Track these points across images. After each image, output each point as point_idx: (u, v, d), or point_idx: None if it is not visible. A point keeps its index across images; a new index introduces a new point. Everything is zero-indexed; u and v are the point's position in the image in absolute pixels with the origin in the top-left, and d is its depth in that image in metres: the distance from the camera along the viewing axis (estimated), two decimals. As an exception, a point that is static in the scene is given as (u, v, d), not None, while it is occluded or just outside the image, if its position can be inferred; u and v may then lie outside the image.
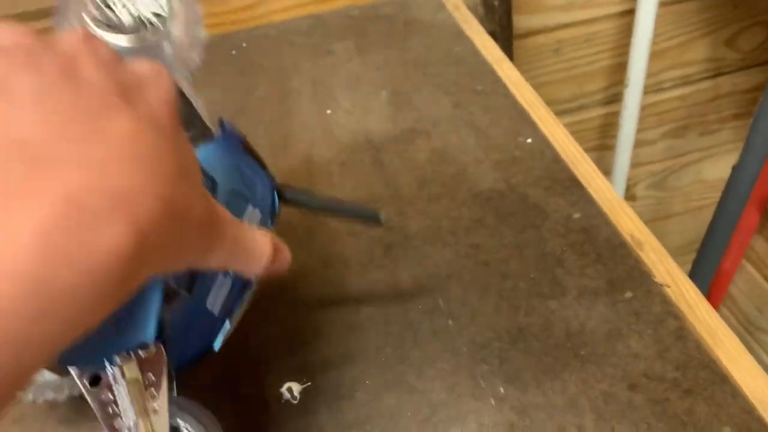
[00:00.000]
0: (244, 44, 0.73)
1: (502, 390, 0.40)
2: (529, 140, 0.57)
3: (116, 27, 0.35)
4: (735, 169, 0.95)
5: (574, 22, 0.86)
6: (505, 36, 0.75)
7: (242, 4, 0.74)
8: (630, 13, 0.88)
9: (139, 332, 0.27)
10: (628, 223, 0.49)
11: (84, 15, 0.34)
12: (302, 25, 0.75)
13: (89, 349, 0.25)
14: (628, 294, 0.44)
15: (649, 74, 0.92)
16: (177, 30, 0.36)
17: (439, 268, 0.47)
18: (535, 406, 0.39)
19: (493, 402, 0.40)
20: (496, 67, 0.65)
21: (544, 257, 0.47)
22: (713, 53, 1.01)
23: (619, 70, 0.96)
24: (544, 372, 0.41)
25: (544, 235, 0.49)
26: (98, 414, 0.27)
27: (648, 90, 0.97)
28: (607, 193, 0.52)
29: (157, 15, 0.36)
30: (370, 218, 0.43)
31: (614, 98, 0.99)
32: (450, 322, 0.44)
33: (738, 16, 0.96)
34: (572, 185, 0.52)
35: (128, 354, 0.27)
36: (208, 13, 0.74)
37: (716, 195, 1.08)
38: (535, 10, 0.83)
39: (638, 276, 0.45)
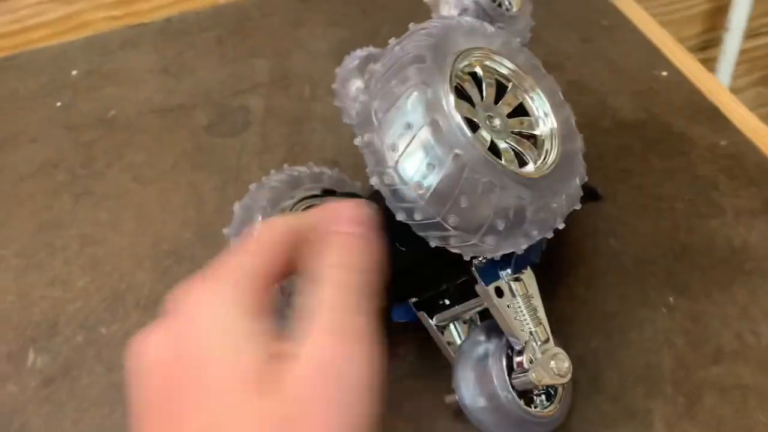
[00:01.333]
0: (360, -14, 0.75)
1: (672, 300, 0.42)
2: (664, 73, 0.58)
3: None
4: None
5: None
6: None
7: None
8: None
9: (532, 255, 0.33)
10: (776, 149, 0.50)
11: None
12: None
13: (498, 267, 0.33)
14: (786, 214, 0.46)
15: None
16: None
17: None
18: (708, 314, 0.41)
19: (664, 310, 0.42)
20: (618, 3, 0.66)
21: (697, 181, 0.49)
22: (811, -4, 0.99)
23: (716, 14, 0.95)
24: (713, 284, 0.43)
25: (694, 161, 0.50)
26: (502, 323, 0.33)
27: (744, 35, 0.95)
28: (750, 121, 0.52)
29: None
30: (591, 195, 0.45)
31: (708, 44, 0.98)
32: (612, 240, 0.46)
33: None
34: (714, 115, 0.53)
35: (520, 272, 0.33)
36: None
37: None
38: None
39: (794, 197, 0.47)
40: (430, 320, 0.38)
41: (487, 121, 0.29)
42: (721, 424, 0.36)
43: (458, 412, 0.37)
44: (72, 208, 0.55)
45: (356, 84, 0.47)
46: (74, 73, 0.69)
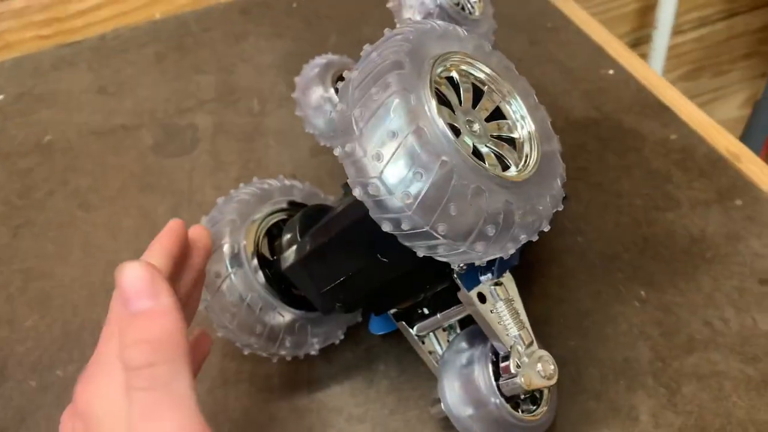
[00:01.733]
0: (302, -4, 0.74)
1: (642, 293, 0.43)
2: (611, 71, 0.59)
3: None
4: (756, 104, 0.99)
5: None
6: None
7: (296, -43, 0.74)
8: (659, -45, 0.91)
9: (512, 258, 0.32)
10: (722, 139, 0.52)
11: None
12: (356, -25, 0.76)
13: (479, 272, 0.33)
14: (738, 201, 0.47)
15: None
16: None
17: (554, 192, 0.50)
18: (677, 304, 0.42)
19: (637, 304, 0.43)
20: (560, 6, 0.67)
21: (652, 175, 0.50)
22: (729, -6, 1.04)
23: (644, 13, 0.98)
24: (677, 274, 0.44)
25: (647, 156, 0.51)
26: (486, 329, 0.33)
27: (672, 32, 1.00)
28: (696, 114, 0.54)
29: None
30: None
31: (639, 41, 1.02)
32: (579, 238, 0.47)
33: (753, -45, 1.00)
34: (662, 110, 0.55)
35: (500, 276, 0.33)
36: (263, -33, 0.74)
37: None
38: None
39: (743, 185, 0.48)
40: (411, 330, 0.38)
41: (468, 126, 0.29)
42: (701, 410, 0.37)
43: (445, 423, 0.36)
44: (11, 241, 0.52)
45: (317, 92, 0.46)
46: (2, 97, 0.65)
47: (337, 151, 0.26)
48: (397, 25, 0.40)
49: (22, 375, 0.43)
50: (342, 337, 0.40)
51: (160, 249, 0.29)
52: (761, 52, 1.16)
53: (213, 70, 0.66)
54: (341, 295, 0.35)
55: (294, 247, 0.36)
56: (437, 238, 0.25)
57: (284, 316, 0.37)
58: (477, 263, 0.29)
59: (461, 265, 0.32)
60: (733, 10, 1.07)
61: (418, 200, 0.25)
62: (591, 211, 0.48)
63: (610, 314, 0.42)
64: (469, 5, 0.41)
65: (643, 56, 1.00)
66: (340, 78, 0.48)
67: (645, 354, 0.40)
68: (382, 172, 0.25)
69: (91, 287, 0.48)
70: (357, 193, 0.26)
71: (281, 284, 0.38)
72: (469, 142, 0.28)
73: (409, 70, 0.26)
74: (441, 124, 0.25)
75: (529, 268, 0.45)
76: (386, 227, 0.26)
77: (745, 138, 1.05)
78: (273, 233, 0.40)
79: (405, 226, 0.25)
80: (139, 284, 0.24)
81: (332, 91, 0.46)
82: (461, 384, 0.34)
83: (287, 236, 0.38)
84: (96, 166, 0.56)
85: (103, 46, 0.70)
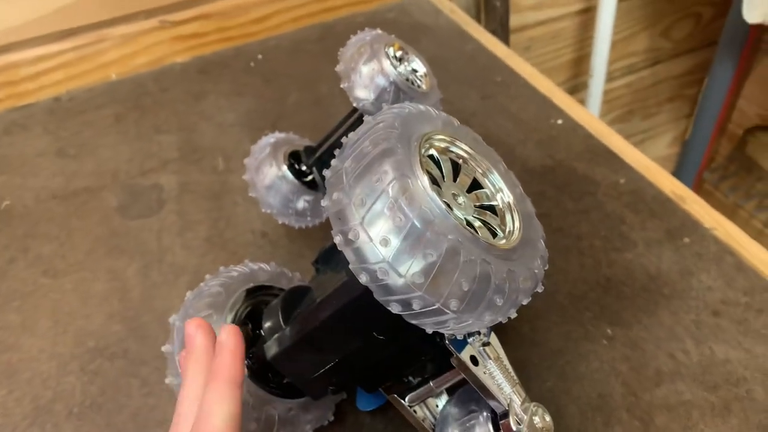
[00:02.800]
0: (259, 56, 0.75)
1: (609, 331, 0.46)
2: (560, 121, 0.63)
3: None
4: (685, 143, 1.07)
5: (544, 20, 0.95)
6: (504, 34, 0.81)
7: (253, 17, 0.76)
8: (589, 10, 0.98)
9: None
10: (666, 182, 0.56)
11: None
12: (312, 34, 0.78)
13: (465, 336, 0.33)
14: (686, 240, 0.51)
15: (604, 65, 1.02)
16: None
17: (519, 237, 0.52)
18: (642, 339, 0.45)
19: (605, 342, 0.45)
20: (508, 61, 0.71)
21: (607, 218, 0.53)
22: (652, 44, 1.13)
23: (579, 62, 1.05)
24: (640, 311, 0.47)
25: (601, 199, 0.55)
26: (482, 390, 0.33)
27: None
28: (641, 160, 0.59)
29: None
30: None
31: (576, 89, 1.09)
32: (545, 281, 0.49)
33: (672, 9, 1.09)
34: (610, 156, 0.59)
35: (487, 336, 0.33)
36: (220, 27, 0.76)
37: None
38: (512, 11, 0.91)
39: (690, 224, 0.52)
40: (403, 401, 0.37)
41: (455, 199, 0.30)
42: (674, 441, 0.39)
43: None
44: (-28, 313, 0.50)
45: (272, 171, 0.46)
46: (-48, 163, 0.63)
47: (337, 240, 0.26)
48: (354, 104, 0.42)
49: (-8, 455, 0.41)
50: (332, 418, 0.40)
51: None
52: (684, 95, 1.26)
53: (174, 130, 0.66)
54: (334, 378, 0.35)
55: (277, 335, 0.35)
56: (447, 314, 0.26)
57: (276, 408, 0.36)
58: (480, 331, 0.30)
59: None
60: (656, 58, 1.16)
61: (429, 280, 0.25)
62: (555, 254, 0.51)
63: (582, 353, 0.44)
64: (417, 80, 0.43)
65: (581, 101, 1.07)
66: (292, 155, 0.49)
67: (617, 389, 0.42)
68: (390, 256, 0.25)
69: (61, 357, 0.46)
70: (363, 279, 0.26)
71: (266, 373, 0.37)
72: (461, 215, 0.28)
73: (402, 155, 0.27)
74: (439, 203, 0.26)
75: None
76: (395, 309, 0.26)
77: (676, 174, 1.12)
78: (250, 320, 0.39)
79: (416, 306, 0.25)
80: None
81: (284, 168, 0.47)
82: None
83: (268, 324, 0.37)
84: (60, 231, 0.55)
85: (58, 108, 0.69)
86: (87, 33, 0.71)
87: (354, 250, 0.26)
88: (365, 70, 0.41)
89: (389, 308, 0.26)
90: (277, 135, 0.50)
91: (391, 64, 0.41)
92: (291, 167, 0.48)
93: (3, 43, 0.67)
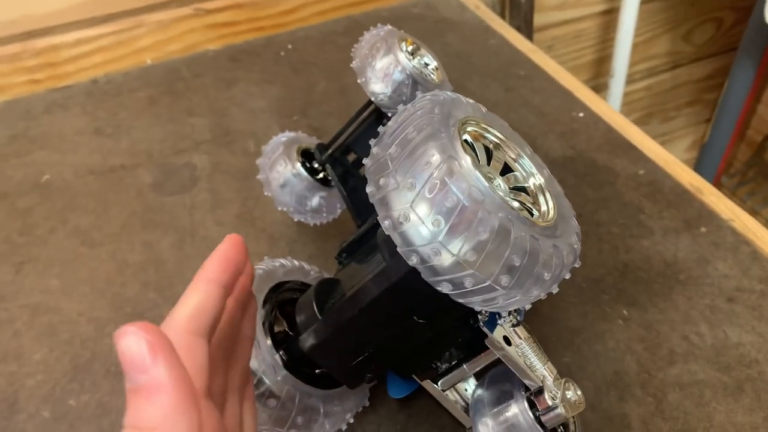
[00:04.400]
0: (289, 45, 0.78)
1: (625, 312, 0.47)
2: (581, 114, 0.65)
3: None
4: (704, 147, 1.07)
5: (568, 20, 0.96)
6: (528, 30, 0.83)
7: (283, 9, 0.78)
8: (612, 12, 0.99)
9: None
10: (684, 174, 0.57)
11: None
12: (339, 26, 0.80)
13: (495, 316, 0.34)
14: (703, 229, 0.53)
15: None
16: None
17: (539, 223, 0.54)
18: (657, 321, 0.46)
19: (621, 322, 0.46)
20: (531, 56, 0.73)
21: (626, 207, 0.55)
22: (673, 47, 1.14)
23: (601, 63, 1.07)
24: (656, 295, 0.48)
25: (620, 189, 0.56)
26: (516, 368, 0.34)
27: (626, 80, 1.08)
28: (660, 152, 0.60)
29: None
30: None
31: (596, 89, 1.10)
32: (564, 264, 0.50)
33: (693, 13, 1.10)
34: (629, 148, 0.61)
35: (520, 316, 0.35)
36: (251, 18, 0.78)
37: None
38: (536, 10, 0.92)
39: (707, 215, 0.54)
40: (437, 386, 0.38)
41: (492, 183, 0.31)
42: (686, 416, 0.41)
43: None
44: (14, 278, 0.52)
45: (286, 169, 0.48)
46: (-4, 139, 0.66)
47: (386, 224, 0.27)
48: (372, 98, 0.43)
49: (34, 407, 0.43)
50: (367, 403, 0.41)
51: (210, 275, 0.27)
52: (704, 100, 1.27)
53: (206, 113, 0.69)
54: (371, 366, 0.35)
55: (314, 327, 0.36)
56: (497, 290, 0.26)
57: (318, 399, 0.36)
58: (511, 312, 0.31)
59: (484, 312, 0.33)
60: (677, 62, 1.17)
61: (481, 257, 0.25)
62: (574, 239, 0.52)
63: (598, 332, 0.46)
64: (429, 73, 0.45)
65: (600, 103, 1.08)
66: (304, 153, 0.50)
67: (632, 367, 0.44)
68: (442, 236, 0.25)
69: (99, 321, 0.49)
70: (414, 260, 0.26)
71: (301, 367, 0.37)
72: (503, 195, 0.29)
73: (446, 138, 0.27)
74: (485, 183, 0.26)
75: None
76: (445, 288, 0.26)
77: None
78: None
79: (468, 284, 0.26)
80: (133, 355, 0.21)
81: (299, 165, 0.48)
82: (502, 426, 0.35)
83: (302, 317, 0.37)
84: (97, 204, 0.58)
85: (95, 90, 0.72)
86: (125, 19, 0.74)
87: (403, 232, 0.26)
88: (381, 64, 0.42)
89: (439, 288, 0.27)
90: (288, 134, 0.51)
91: (406, 57, 0.43)
92: (303, 165, 0.49)
93: (46, 26, 0.70)
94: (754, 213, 1.16)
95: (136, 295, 0.50)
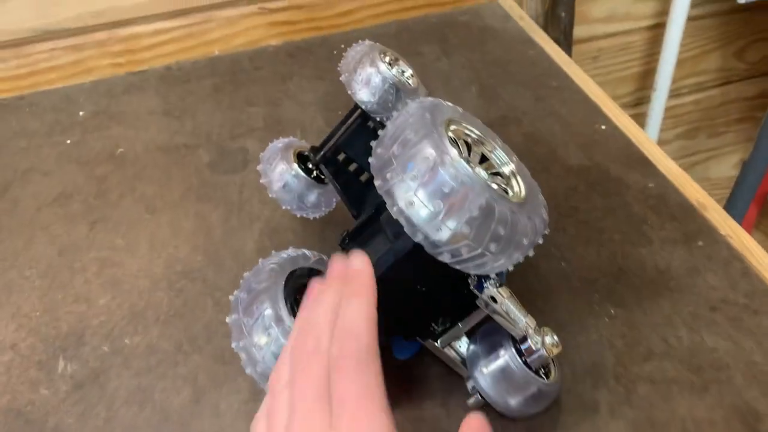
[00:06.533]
0: (342, 45, 0.85)
1: (612, 311, 0.52)
2: (603, 127, 0.69)
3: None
4: (745, 164, 1.08)
5: (614, 32, 0.99)
6: (567, 43, 0.87)
7: (339, 11, 0.85)
8: (659, 26, 1.02)
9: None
10: (693, 191, 0.61)
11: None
12: (389, 29, 0.87)
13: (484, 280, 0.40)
14: (700, 243, 0.56)
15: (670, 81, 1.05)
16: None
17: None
18: (641, 322, 0.51)
19: (606, 319, 0.51)
20: (565, 68, 0.77)
21: (631, 217, 0.59)
22: (724, 64, 1.15)
23: (645, 76, 1.09)
24: (644, 298, 0.53)
25: (628, 200, 0.61)
26: (503, 322, 0.41)
27: (669, 95, 1.10)
28: (673, 168, 0.64)
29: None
30: None
31: (640, 101, 1.13)
32: (563, 264, 0.56)
33: (747, 31, 1.10)
34: (644, 162, 0.65)
35: (501, 278, 0.41)
36: (309, 18, 0.85)
37: (719, 192, 1.23)
38: (581, 21, 0.96)
39: (706, 230, 0.57)
40: (437, 344, 0.44)
41: (476, 170, 0.38)
42: (652, 407, 0.45)
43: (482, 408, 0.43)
44: (88, 233, 0.61)
45: (284, 172, 0.52)
46: (81, 113, 0.76)
47: (394, 209, 0.34)
48: (362, 106, 0.49)
49: (97, 342, 0.52)
50: None
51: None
52: (755, 118, 1.26)
53: (262, 103, 0.76)
54: (381, 330, 0.40)
55: None
56: (487, 256, 0.33)
57: None
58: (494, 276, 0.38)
59: (473, 276, 0.40)
60: (727, 78, 1.17)
61: (474, 230, 0.33)
62: (576, 242, 0.57)
63: (584, 326, 0.51)
64: (407, 80, 0.50)
65: (643, 115, 1.10)
66: (299, 155, 0.55)
67: (610, 360, 0.49)
68: (442, 215, 0.32)
69: (154, 276, 0.57)
70: (419, 237, 0.33)
71: None
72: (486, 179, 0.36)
73: (438, 137, 0.34)
74: (471, 171, 0.33)
75: (519, 285, 0.53)
76: (446, 258, 0.34)
77: (733, 194, 1.14)
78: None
79: (464, 253, 0.33)
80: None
81: (296, 167, 0.53)
82: (496, 372, 0.42)
83: None
84: (161, 176, 0.67)
85: (168, 76, 0.81)
86: (197, 14, 0.82)
87: (410, 215, 0.33)
88: (366, 75, 0.48)
89: (440, 258, 0.34)
90: (283, 140, 0.56)
91: (386, 68, 0.48)
92: (299, 166, 0.53)
93: (129, 17, 0.79)
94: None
95: (186, 256, 0.59)
